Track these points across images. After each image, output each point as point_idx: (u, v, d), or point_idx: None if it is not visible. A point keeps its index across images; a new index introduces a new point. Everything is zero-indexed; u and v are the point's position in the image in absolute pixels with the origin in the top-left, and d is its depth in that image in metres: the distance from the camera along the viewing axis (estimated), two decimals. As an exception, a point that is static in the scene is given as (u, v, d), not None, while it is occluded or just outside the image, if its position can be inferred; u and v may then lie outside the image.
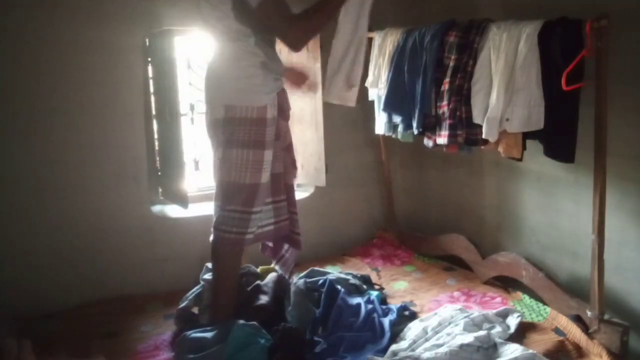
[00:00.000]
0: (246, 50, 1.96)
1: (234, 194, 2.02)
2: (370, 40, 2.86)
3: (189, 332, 2.02)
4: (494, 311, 2.14)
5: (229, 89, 1.98)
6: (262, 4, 1.85)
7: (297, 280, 2.35)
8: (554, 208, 2.37)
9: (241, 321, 2.01)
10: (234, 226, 2.04)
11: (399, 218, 3.22)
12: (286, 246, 2.35)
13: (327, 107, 2.77)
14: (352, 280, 2.40)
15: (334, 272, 2.53)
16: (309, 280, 2.36)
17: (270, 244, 2.38)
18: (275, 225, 2.22)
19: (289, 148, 2.28)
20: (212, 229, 2.10)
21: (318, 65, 2.73)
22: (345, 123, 3.07)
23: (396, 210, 3.21)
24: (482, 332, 1.93)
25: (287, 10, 1.94)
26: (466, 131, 2.24)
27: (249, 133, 1.96)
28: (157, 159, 2.71)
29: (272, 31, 2.01)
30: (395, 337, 2.06)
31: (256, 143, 1.98)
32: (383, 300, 2.36)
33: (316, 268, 2.53)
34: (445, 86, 2.27)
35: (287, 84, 2.27)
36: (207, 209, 2.36)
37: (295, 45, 1.96)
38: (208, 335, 1.99)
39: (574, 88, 1.83)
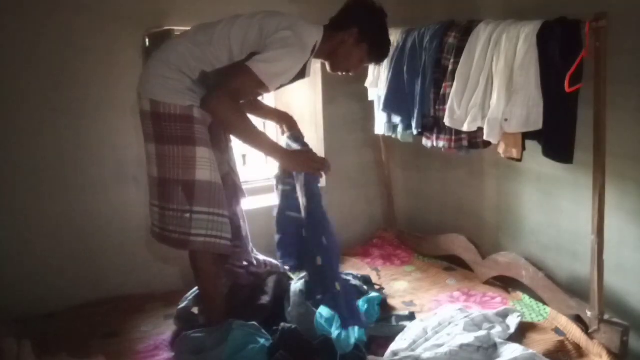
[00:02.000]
0: (191, 67, 1.91)
1: (171, 192, 1.95)
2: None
3: (189, 332, 2.02)
4: (494, 311, 2.14)
5: (153, 84, 1.92)
6: (243, 67, 1.82)
7: (297, 281, 2.35)
8: (553, 208, 2.37)
9: (241, 321, 2.01)
10: (177, 225, 1.95)
11: (399, 218, 3.22)
12: (255, 262, 2.33)
13: (327, 108, 2.78)
14: (353, 281, 2.39)
15: None
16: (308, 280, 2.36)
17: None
18: (213, 239, 2.00)
19: (226, 179, 2.15)
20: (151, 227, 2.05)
21: (318, 65, 2.73)
22: (345, 123, 3.07)
23: (396, 210, 3.21)
24: (482, 332, 1.93)
25: (244, 91, 1.89)
26: (469, 135, 2.25)
27: (177, 129, 1.90)
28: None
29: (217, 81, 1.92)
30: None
31: (185, 139, 1.91)
32: (383, 302, 2.36)
33: None
34: (447, 89, 2.27)
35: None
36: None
37: (205, 106, 1.87)
38: (208, 335, 1.99)
39: (574, 90, 1.83)
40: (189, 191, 1.93)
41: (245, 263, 2.32)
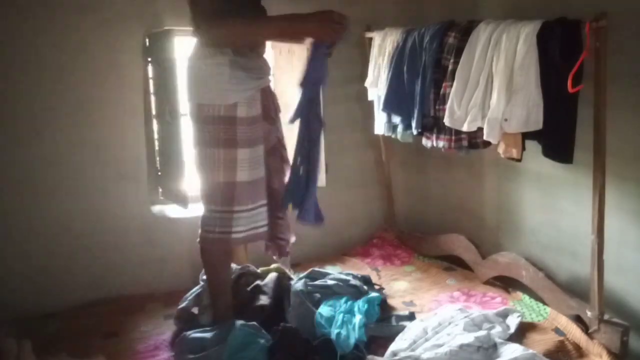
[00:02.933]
0: (213, 49, 1.90)
1: (212, 193, 2.00)
2: (370, 40, 2.87)
3: (189, 332, 2.03)
4: (494, 311, 2.14)
5: (196, 87, 1.96)
6: None
7: (297, 281, 2.35)
8: (553, 208, 2.37)
9: (241, 321, 2.02)
10: (216, 226, 2.01)
11: (399, 218, 3.22)
12: (291, 243, 2.33)
13: (327, 108, 2.77)
14: (353, 282, 2.39)
15: (334, 272, 2.53)
16: (309, 282, 2.36)
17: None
18: (253, 230, 2.09)
19: (273, 151, 2.20)
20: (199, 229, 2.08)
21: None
22: (345, 123, 3.07)
23: (396, 210, 3.21)
24: (482, 332, 1.93)
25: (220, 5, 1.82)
26: (469, 135, 2.25)
27: (219, 131, 1.94)
28: (157, 159, 2.71)
29: (193, 21, 1.88)
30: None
31: (227, 142, 1.94)
32: (383, 302, 2.37)
33: (316, 269, 2.53)
34: (447, 89, 2.27)
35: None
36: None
37: (210, 44, 1.87)
38: (208, 335, 2.00)
39: (575, 91, 1.83)
40: (229, 192, 1.98)
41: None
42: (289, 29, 1.96)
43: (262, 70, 2.07)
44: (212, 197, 2.01)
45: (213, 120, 1.93)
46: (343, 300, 2.24)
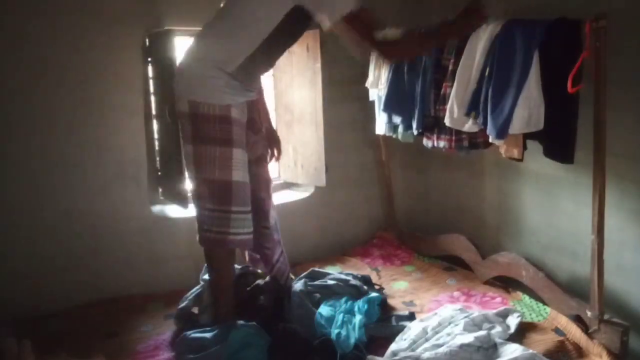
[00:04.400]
0: (225, 61, 1.94)
1: (208, 192, 2.00)
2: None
3: (189, 332, 2.03)
4: (494, 311, 2.14)
5: (193, 84, 1.97)
6: (348, 16, 1.80)
7: (298, 280, 2.35)
8: (554, 208, 2.37)
9: (241, 321, 2.01)
10: (213, 225, 2.01)
11: (399, 218, 3.22)
12: (277, 254, 2.35)
13: (328, 108, 2.77)
14: (353, 282, 2.39)
15: (334, 272, 2.53)
16: (309, 281, 2.36)
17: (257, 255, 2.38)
18: (246, 235, 2.09)
19: (260, 161, 2.25)
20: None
21: (318, 65, 2.73)
22: (346, 123, 3.07)
23: (396, 210, 3.21)
24: (482, 332, 1.93)
25: (371, 25, 1.88)
26: (469, 135, 2.25)
27: (215, 130, 1.95)
28: (157, 159, 2.71)
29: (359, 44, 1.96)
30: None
31: (223, 140, 1.96)
32: (383, 301, 2.37)
33: (316, 269, 2.53)
34: (447, 89, 2.27)
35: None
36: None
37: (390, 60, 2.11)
38: (208, 335, 1.99)
39: (575, 91, 1.83)
40: (226, 191, 1.98)
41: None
42: (444, 41, 2.20)
43: (255, 86, 2.12)
44: (209, 195, 2.00)
45: (209, 118, 1.94)
46: (343, 300, 2.24)
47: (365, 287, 2.40)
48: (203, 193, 2.02)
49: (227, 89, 1.94)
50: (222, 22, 1.98)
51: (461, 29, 2.02)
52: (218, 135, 1.95)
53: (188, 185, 2.49)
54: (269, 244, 2.31)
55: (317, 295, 2.27)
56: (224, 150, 1.96)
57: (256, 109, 2.23)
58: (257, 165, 2.21)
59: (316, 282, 2.37)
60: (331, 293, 2.30)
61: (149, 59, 2.61)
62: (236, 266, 2.40)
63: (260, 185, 2.22)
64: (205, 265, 2.34)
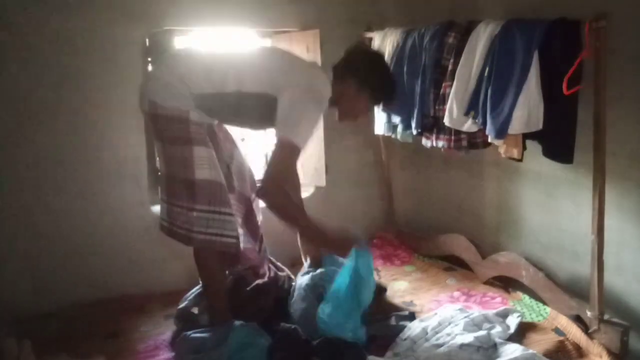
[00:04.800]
0: (193, 80, 1.96)
1: (176, 189, 2.00)
2: (370, 40, 2.87)
3: (189, 332, 2.03)
4: (494, 311, 2.14)
5: (154, 85, 1.98)
6: (282, 144, 1.89)
7: (303, 275, 2.35)
8: (553, 208, 2.37)
9: (241, 321, 2.01)
10: (181, 221, 2.00)
11: (399, 218, 3.22)
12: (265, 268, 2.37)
13: (327, 108, 2.77)
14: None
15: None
16: (314, 274, 2.34)
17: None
18: (217, 237, 2.05)
19: (243, 175, 2.27)
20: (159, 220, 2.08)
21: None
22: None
23: (396, 210, 3.21)
24: (482, 332, 1.93)
25: (290, 166, 1.99)
26: (469, 135, 2.25)
27: (173, 130, 1.95)
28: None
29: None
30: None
31: (181, 139, 1.95)
32: (381, 289, 2.41)
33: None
34: (446, 90, 2.27)
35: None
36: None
37: (263, 198, 1.97)
38: (208, 335, 1.99)
39: (573, 91, 1.83)
40: (190, 190, 1.97)
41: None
42: (315, 239, 2.15)
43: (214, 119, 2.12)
44: (175, 191, 2.00)
45: (167, 119, 1.94)
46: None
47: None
48: (171, 189, 2.02)
49: (188, 102, 1.95)
50: (206, 57, 2.04)
51: (328, 247, 2.18)
52: (176, 134, 1.95)
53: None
54: (263, 266, 2.35)
55: (321, 289, 2.26)
56: (184, 149, 1.96)
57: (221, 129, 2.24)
58: (240, 181, 2.24)
59: (322, 271, 2.35)
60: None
61: (149, 59, 2.61)
62: (239, 266, 2.40)
63: (247, 202, 2.27)
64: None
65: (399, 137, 2.67)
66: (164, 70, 2.01)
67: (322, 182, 2.90)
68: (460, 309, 2.17)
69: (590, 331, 1.99)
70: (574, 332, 2.03)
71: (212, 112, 2.02)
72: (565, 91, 1.80)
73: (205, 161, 1.97)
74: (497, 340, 1.92)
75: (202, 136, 1.98)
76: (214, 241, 2.00)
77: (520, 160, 2.10)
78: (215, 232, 1.99)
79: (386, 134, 2.77)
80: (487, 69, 2.08)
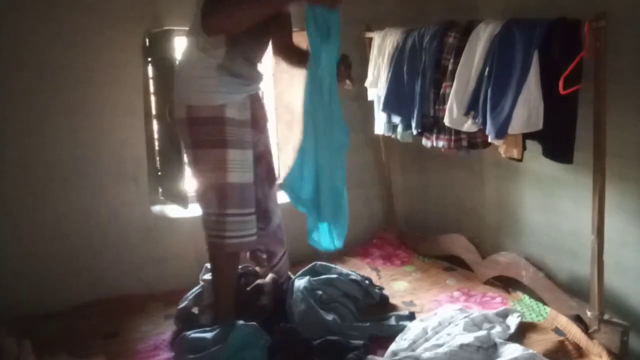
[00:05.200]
0: (204, 52, 1.93)
1: (207, 196, 2.02)
2: (370, 40, 2.87)
3: (189, 332, 2.03)
4: (494, 311, 2.14)
5: (186, 89, 1.98)
6: None
7: (300, 277, 2.35)
8: (554, 208, 2.37)
9: (241, 321, 2.01)
10: (212, 229, 2.04)
11: (399, 218, 3.22)
12: (280, 255, 2.35)
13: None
14: (353, 276, 2.41)
15: (337, 267, 2.53)
16: (313, 278, 2.36)
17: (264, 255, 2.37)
18: (246, 238, 2.09)
19: (260, 160, 2.21)
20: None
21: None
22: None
23: (396, 210, 3.21)
24: (482, 332, 1.93)
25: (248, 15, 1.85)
26: (469, 135, 2.24)
27: (209, 132, 1.95)
28: (157, 159, 2.71)
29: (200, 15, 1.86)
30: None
31: (216, 142, 1.96)
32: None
33: (320, 262, 2.52)
34: (447, 89, 2.27)
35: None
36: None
37: (208, 32, 1.86)
38: (208, 335, 1.99)
39: (572, 91, 1.83)
40: (221, 194, 1.99)
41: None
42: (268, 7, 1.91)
43: (253, 78, 2.09)
44: (206, 199, 2.03)
45: (203, 121, 1.95)
46: None
47: (367, 282, 2.41)
48: (202, 197, 2.04)
49: (219, 88, 1.94)
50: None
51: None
52: (211, 137, 1.95)
53: (188, 185, 2.51)
54: (265, 246, 2.31)
55: (320, 292, 2.27)
56: (218, 152, 1.96)
57: (260, 106, 2.22)
58: (257, 165, 2.19)
59: (320, 277, 2.38)
60: (333, 289, 2.31)
61: (149, 59, 2.61)
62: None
63: (257, 185, 2.21)
64: (205, 265, 2.35)
65: (399, 137, 2.67)
66: (188, 66, 1.99)
67: (322, 182, 2.89)
68: (460, 309, 2.17)
69: (590, 331, 1.99)
70: (574, 332, 2.03)
71: (244, 62, 1.99)
72: (561, 91, 1.80)
73: (238, 164, 1.99)
74: (497, 340, 1.92)
75: (237, 137, 1.99)
76: (246, 242, 2.05)
77: (520, 160, 2.10)
78: (245, 233, 2.04)
79: (386, 134, 2.77)
80: (487, 69, 2.08)
